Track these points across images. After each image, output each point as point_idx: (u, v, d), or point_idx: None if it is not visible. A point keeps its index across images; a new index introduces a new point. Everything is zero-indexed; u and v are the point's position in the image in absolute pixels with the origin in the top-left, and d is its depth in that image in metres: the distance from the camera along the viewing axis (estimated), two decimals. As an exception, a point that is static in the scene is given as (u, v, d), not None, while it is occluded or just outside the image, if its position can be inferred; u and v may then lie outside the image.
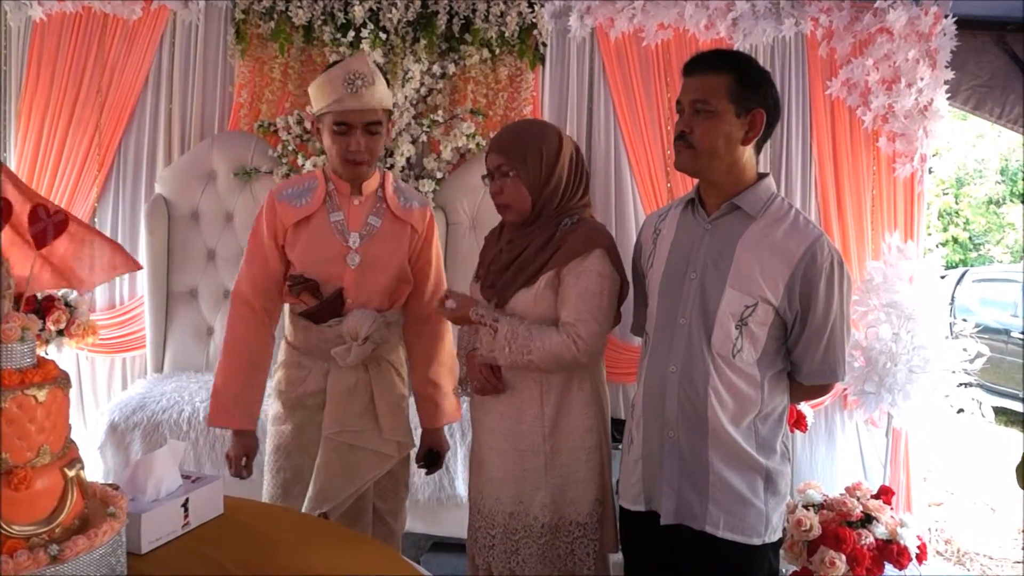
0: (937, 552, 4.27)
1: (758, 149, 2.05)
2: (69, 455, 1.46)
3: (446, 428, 2.67)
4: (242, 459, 2.41)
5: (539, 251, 2.14)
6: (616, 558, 2.30)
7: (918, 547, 3.20)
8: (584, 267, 2.10)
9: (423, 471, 2.63)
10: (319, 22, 3.96)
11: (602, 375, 2.28)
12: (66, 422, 1.48)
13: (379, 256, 2.38)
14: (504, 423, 2.22)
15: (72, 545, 1.36)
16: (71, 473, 1.43)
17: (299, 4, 3.95)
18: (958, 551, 4.44)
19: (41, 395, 1.39)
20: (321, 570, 1.65)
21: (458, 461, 3.37)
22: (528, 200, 2.16)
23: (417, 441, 2.60)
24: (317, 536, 1.84)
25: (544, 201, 2.17)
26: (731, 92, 1.95)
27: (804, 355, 2.00)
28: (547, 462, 2.18)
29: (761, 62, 3.70)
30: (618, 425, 3.56)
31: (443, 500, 3.40)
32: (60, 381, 1.44)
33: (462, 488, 3.36)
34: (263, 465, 2.48)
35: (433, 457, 2.60)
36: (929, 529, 4.14)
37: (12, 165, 4.15)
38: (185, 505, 1.77)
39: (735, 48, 3.72)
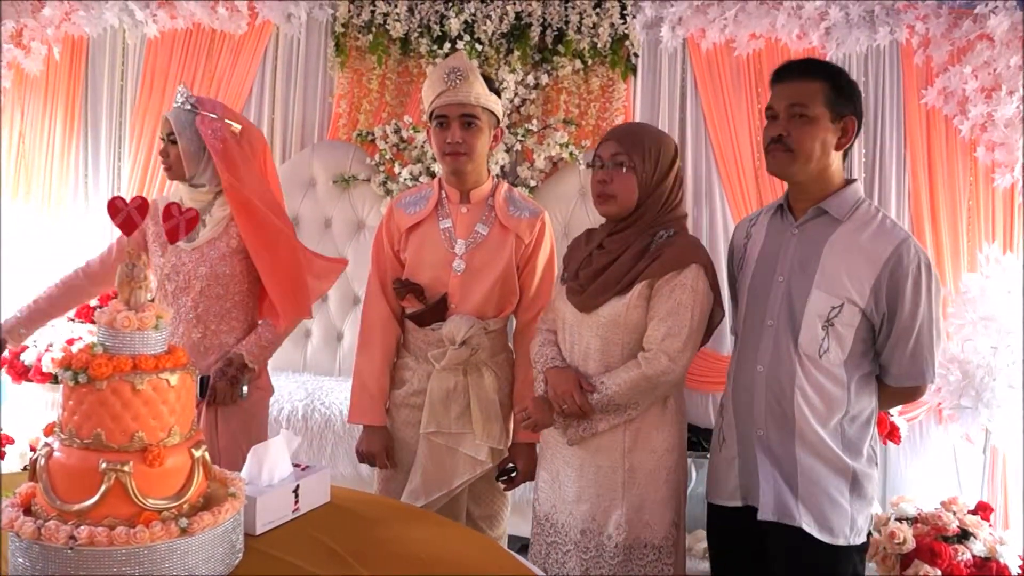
0: (1040, 580, 4.10)
1: (844, 156, 2.09)
2: (195, 437, 1.57)
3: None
4: (382, 453, 2.45)
5: (634, 260, 2.12)
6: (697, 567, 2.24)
7: (1020, 567, 3.09)
8: (678, 281, 2.07)
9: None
10: (416, 34, 4.10)
11: (682, 395, 2.24)
12: (193, 406, 1.59)
13: (483, 264, 2.40)
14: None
15: (199, 520, 1.46)
16: (197, 454, 1.54)
17: (396, 17, 4.09)
18: (1063, 582, 4.25)
19: (173, 379, 1.50)
20: (424, 555, 1.72)
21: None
22: (634, 197, 2.13)
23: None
24: (420, 524, 1.91)
25: (648, 204, 2.14)
26: (827, 98, 2.00)
27: (892, 357, 2.01)
28: (625, 480, 2.13)
29: (855, 71, 3.72)
30: (703, 433, 3.56)
31: (531, 502, 3.41)
32: (189, 367, 1.55)
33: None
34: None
35: (509, 472, 2.47)
36: (1030, 553, 3.99)
37: (126, 172, 4.40)
38: (296, 491, 1.85)
39: (828, 58, 3.70)
